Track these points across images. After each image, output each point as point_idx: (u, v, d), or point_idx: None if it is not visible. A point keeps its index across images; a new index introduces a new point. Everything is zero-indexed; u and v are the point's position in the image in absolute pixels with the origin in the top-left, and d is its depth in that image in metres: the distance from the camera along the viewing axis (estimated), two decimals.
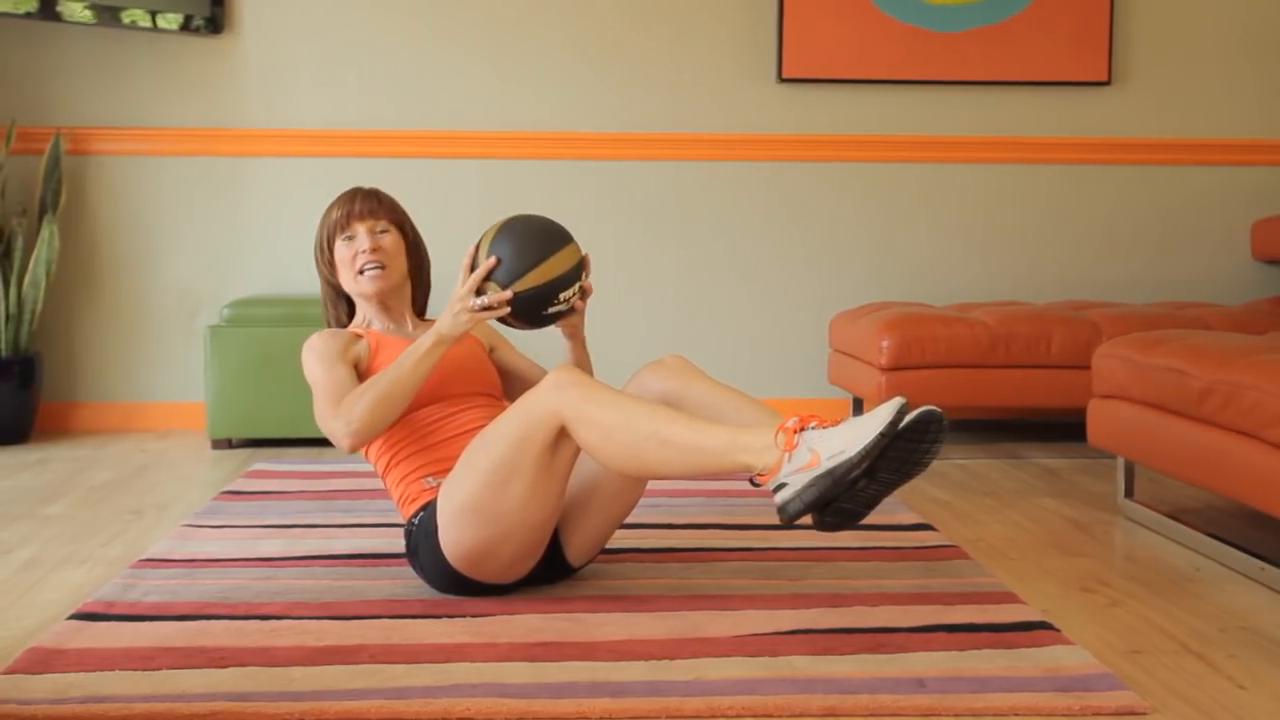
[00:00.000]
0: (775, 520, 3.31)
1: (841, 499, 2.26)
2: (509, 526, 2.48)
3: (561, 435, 2.42)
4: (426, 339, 2.57)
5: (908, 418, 2.23)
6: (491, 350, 2.96)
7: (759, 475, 2.28)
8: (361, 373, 2.71)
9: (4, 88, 4.82)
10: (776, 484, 2.26)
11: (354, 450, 2.58)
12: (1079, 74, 5.05)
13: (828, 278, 5.09)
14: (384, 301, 2.83)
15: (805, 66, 4.98)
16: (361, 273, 2.77)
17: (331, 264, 2.82)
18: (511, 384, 2.95)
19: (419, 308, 2.96)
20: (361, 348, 2.73)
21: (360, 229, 2.78)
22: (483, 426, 2.63)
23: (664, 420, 2.34)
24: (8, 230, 4.66)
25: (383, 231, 2.80)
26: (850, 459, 2.18)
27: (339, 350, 2.68)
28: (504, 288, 2.53)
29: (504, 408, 2.69)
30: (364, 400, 2.55)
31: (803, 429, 2.25)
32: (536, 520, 2.50)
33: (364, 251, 2.76)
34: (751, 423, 2.48)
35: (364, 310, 2.85)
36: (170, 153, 4.89)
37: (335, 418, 2.56)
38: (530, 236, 2.56)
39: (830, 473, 2.19)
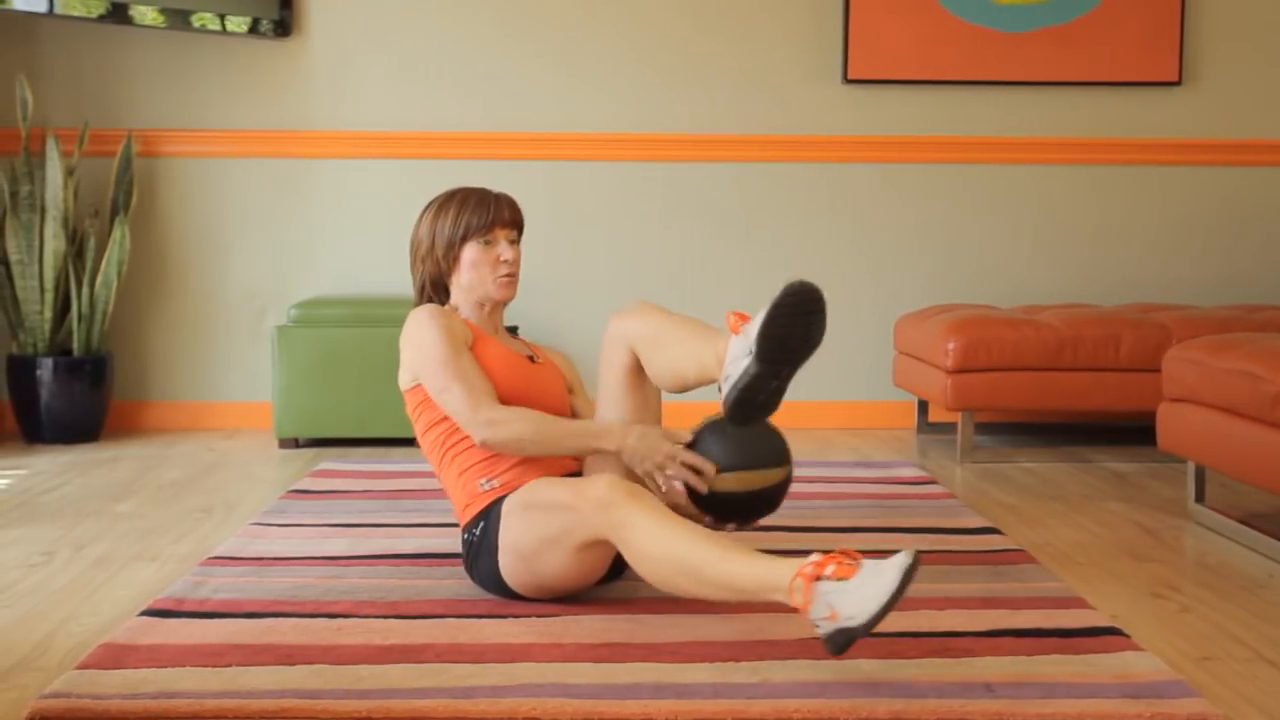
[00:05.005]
0: (839, 523, 3.34)
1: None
2: (555, 580, 2.58)
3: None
4: (602, 438, 2.63)
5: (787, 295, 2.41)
6: (570, 391, 2.96)
7: (794, 609, 2.24)
8: None
9: (76, 91, 4.89)
10: (812, 623, 2.22)
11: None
12: (1148, 74, 4.99)
13: (892, 279, 5.06)
14: (494, 305, 2.86)
15: (871, 67, 4.95)
16: (500, 278, 2.80)
17: (455, 260, 2.81)
18: None
19: None
20: (468, 334, 2.76)
21: (502, 237, 2.81)
22: None
23: (699, 554, 2.32)
24: (80, 231, 4.73)
25: (514, 241, 2.84)
26: (865, 624, 2.12)
27: (455, 332, 2.71)
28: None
29: None
30: (514, 429, 2.61)
31: (819, 577, 2.19)
32: (579, 584, 2.60)
33: (506, 260, 2.80)
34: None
35: (463, 306, 2.85)
36: (239, 154, 4.94)
37: (477, 417, 2.62)
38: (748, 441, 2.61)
39: (850, 632, 2.14)
